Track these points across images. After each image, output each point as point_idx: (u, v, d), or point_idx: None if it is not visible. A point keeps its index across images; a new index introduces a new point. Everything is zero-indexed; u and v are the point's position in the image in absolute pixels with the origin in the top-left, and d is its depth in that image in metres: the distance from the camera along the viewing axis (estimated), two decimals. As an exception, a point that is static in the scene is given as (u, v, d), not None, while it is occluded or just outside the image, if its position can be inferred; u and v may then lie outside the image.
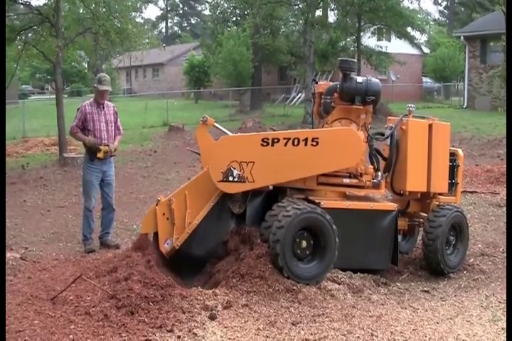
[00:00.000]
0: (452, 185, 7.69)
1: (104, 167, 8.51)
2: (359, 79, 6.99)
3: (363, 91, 6.91)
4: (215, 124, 7.06)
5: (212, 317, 5.39)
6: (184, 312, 5.42)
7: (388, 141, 7.19)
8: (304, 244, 6.35)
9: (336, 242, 6.39)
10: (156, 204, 6.84)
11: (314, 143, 6.47)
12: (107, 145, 8.42)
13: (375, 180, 7.04)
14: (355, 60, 7.32)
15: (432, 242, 7.18)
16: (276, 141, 6.44)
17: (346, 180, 6.96)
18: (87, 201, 8.58)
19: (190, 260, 6.69)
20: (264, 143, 6.45)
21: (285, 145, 6.44)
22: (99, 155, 8.35)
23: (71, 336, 4.98)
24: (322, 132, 6.83)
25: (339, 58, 7.29)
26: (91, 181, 8.49)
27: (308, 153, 6.49)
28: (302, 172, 6.66)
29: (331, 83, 7.38)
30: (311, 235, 6.38)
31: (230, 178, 6.40)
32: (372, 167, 7.10)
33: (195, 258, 6.72)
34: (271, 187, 6.84)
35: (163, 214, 6.73)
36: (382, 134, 7.29)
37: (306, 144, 6.46)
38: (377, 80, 7.14)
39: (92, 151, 8.43)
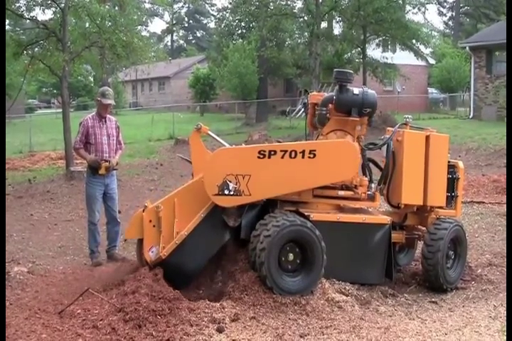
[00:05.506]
0: (452, 198, 7.49)
1: (106, 180, 8.54)
2: (355, 90, 6.87)
3: (360, 103, 6.80)
4: (209, 133, 6.83)
5: (220, 330, 5.37)
6: (192, 325, 5.40)
7: (384, 152, 7.06)
8: (291, 256, 6.25)
9: (324, 259, 6.27)
10: (143, 210, 6.61)
11: (311, 156, 6.31)
12: (108, 161, 8.45)
13: (369, 192, 6.94)
14: (351, 71, 7.16)
15: (432, 255, 6.98)
16: (273, 153, 6.26)
17: (341, 193, 6.83)
18: (91, 215, 8.59)
19: (177, 272, 6.31)
20: (261, 156, 6.25)
21: (282, 157, 6.26)
22: (101, 171, 8.39)
23: (79, 349, 4.98)
24: (319, 144, 6.66)
25: (335, 69, 7.15)
26: (94, 195, 8.51)
27: (306, 166, 6.33)
28: (300, 185, 6.51)
29: (325, 94, 7.28)
30: (298, 248, 6.28)
31: (226, 192, 6.17)
32: (366, 179, 6.98)
33: (182, 270, 6.36)
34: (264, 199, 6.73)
35: (150, 220, 6.45)
36: (375, 144, 7.16)
37: (303, 156, 6.29)
38: (373, 92, 7.03)
39: (93, 167, 8.47)
